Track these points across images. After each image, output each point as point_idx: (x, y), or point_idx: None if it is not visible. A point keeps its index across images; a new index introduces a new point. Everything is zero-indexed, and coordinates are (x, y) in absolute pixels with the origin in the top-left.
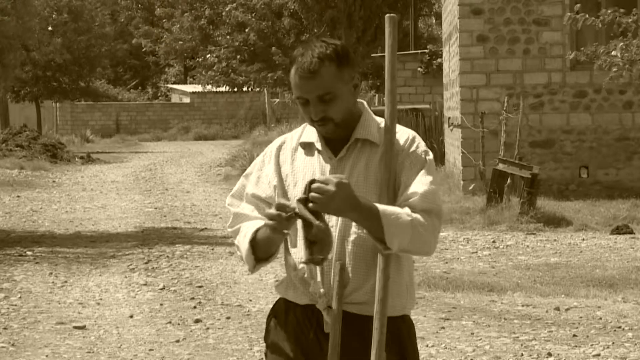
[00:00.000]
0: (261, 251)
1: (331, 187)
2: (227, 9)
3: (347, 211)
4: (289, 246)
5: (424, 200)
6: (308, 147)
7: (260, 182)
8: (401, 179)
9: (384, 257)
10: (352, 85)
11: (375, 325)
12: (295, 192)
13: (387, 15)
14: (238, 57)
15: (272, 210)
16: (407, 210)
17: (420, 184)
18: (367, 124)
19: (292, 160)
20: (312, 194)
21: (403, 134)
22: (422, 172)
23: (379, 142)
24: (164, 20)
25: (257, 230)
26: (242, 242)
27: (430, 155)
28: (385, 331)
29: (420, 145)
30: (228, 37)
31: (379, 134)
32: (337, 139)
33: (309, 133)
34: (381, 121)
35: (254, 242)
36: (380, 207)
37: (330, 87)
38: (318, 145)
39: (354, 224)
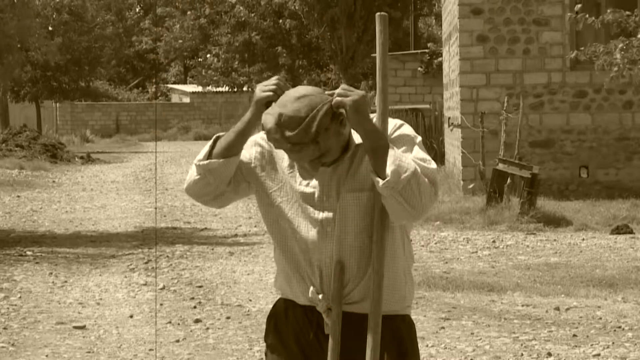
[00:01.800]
0: (220, 145)
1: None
2: (226, 3)
3: (364, 118)
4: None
5: (418, 166)
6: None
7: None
8: None
9: (378, 257)
10: (340, 125)
11: (370, 324)
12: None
13: (378, 13)
14: (238, 56)
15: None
16: None
17: (412, 155)
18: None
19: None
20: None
21: (390, 122)
22: (413, 149)
23: None
24: (166, 19)
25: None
26: (208, 143)
27: (419, 138)
28: (380, 330)
29: (407, 128)
30: (229, 35)
31: None
32: None
33: None
34: (372, 117)
35: (217, 138)
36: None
37: (321, 149)
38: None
39: (349, 226)
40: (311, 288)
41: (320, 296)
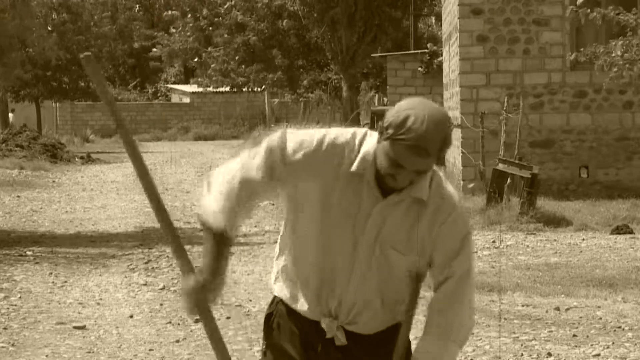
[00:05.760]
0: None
1: None
2: (225, 7)
3: None
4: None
5: (460, 281)
6: (358, 175)
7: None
8: (439, 249)
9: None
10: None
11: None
12: (313, 213)
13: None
14: (237, 58)
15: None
16: (446, 334)
17: (461, 262)
18: (422, 181)
19: (335, 179)
20: None
21: (448, 201)
22: (464, 247)
23: (426, 198)
24: (172, 26)
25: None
26: (214, 204)
27: (469, 223)
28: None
29: (463, 215)
30: (227, 36)
31: (429, 189)
32: None
33: (364, 159)
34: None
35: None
36: None
37: (432, 166)
38: (371, 180)
39: (374, 277)
40: (324, 321)
41: (336, 323)
